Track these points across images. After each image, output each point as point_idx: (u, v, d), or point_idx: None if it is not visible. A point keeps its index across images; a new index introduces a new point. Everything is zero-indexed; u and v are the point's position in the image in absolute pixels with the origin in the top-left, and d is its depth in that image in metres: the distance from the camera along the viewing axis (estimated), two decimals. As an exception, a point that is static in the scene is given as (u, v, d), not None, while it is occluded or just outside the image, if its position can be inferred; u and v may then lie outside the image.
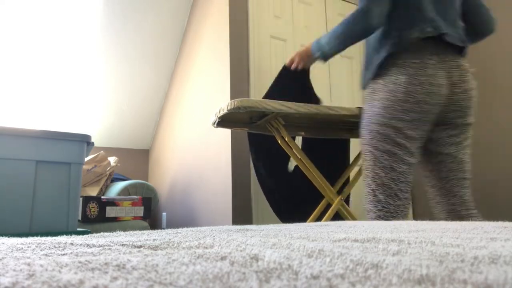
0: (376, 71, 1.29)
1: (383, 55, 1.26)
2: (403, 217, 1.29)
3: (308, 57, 1.49)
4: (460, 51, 1.31)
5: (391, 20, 1.28)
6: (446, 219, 1.34)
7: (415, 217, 2.82)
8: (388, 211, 1.26)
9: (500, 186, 2.53)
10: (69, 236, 0.59)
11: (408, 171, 1.28)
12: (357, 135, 1.87)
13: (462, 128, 1.32)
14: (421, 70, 1.22)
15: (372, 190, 1.30)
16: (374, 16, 1.22)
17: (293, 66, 1.56)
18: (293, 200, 1.72)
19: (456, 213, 1.31)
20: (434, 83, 1.22)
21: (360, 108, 1.62)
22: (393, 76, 1.24)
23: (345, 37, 1.29)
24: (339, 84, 2.72)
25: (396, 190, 1.27)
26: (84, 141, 1.42)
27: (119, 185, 2.51)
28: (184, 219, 2.72)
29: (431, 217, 2.56)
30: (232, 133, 2.22)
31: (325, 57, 1.39)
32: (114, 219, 2.17)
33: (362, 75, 1.39)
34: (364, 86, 1.38)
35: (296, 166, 1.73)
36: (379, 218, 1.28)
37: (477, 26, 1.40)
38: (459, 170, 1.32)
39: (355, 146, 2.52)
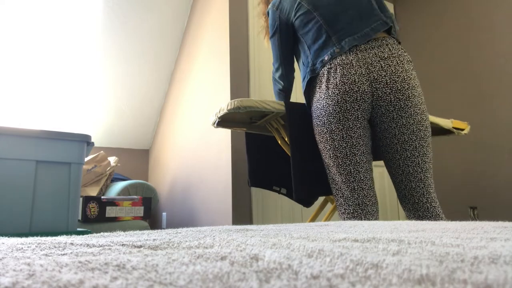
0: (306, 88, 1.44)
1: (305, 81, 1.42)
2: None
3: None
4: (387, 33, 1.37)
5: (307, 56, 1.43)
6: (407, 214, 1.38)
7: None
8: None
9: (500, 186, 2.53)
10: (69, 236, 0.59)
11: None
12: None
13: (400, 122, 1.28)
14: (340, 72, 1.30)
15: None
16: (277, 81, 1.54)
17: None
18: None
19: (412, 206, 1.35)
20: (355, 84, 1.28)
21: None
22: (318, 83, 1.37)
23: (276, 96, 1.59)
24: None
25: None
26: (84, 141, 1.42)
27: (119, 185, 2.51)
28: (184, 219, 2.72)
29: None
30: (232, 133, 2.22)
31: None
32: (114, 219, 2.17)
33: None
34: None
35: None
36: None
37: None
38: (406, 166, 1.31)
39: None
